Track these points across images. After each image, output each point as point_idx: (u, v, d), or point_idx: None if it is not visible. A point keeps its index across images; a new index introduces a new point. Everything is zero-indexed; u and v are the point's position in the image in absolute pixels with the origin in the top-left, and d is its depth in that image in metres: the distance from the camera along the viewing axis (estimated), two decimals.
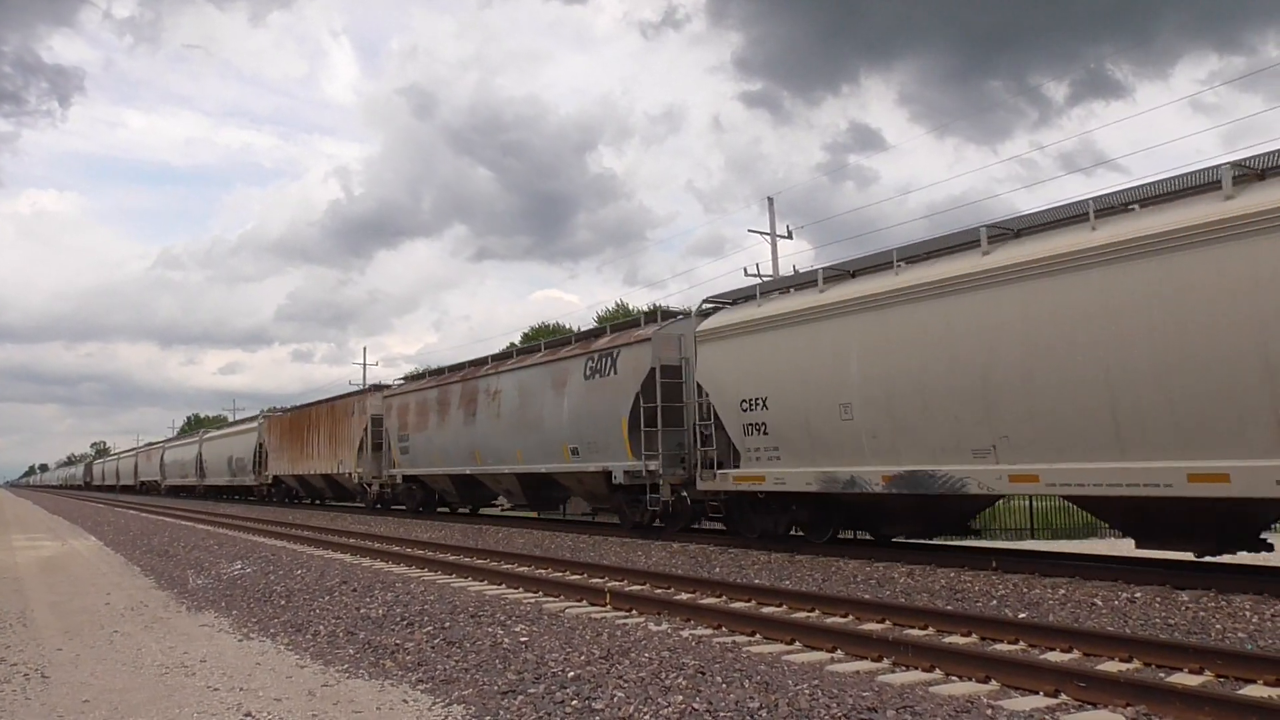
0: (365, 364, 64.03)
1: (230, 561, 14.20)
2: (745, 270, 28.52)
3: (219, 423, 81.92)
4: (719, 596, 9.56)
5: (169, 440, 65.00)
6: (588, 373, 17.53)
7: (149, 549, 17.74)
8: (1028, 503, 23.92)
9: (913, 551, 12.14)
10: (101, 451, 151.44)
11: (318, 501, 37.06)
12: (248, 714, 5.69)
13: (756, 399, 13.62)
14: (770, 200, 31.24)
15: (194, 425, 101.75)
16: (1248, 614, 7.63)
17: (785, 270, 30.07)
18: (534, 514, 23.70)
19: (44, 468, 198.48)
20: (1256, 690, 5.53)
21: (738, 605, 8.99)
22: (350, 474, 29.16)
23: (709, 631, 7.76)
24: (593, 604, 9.35)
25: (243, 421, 46.06)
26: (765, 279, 24.81)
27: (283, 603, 10.09)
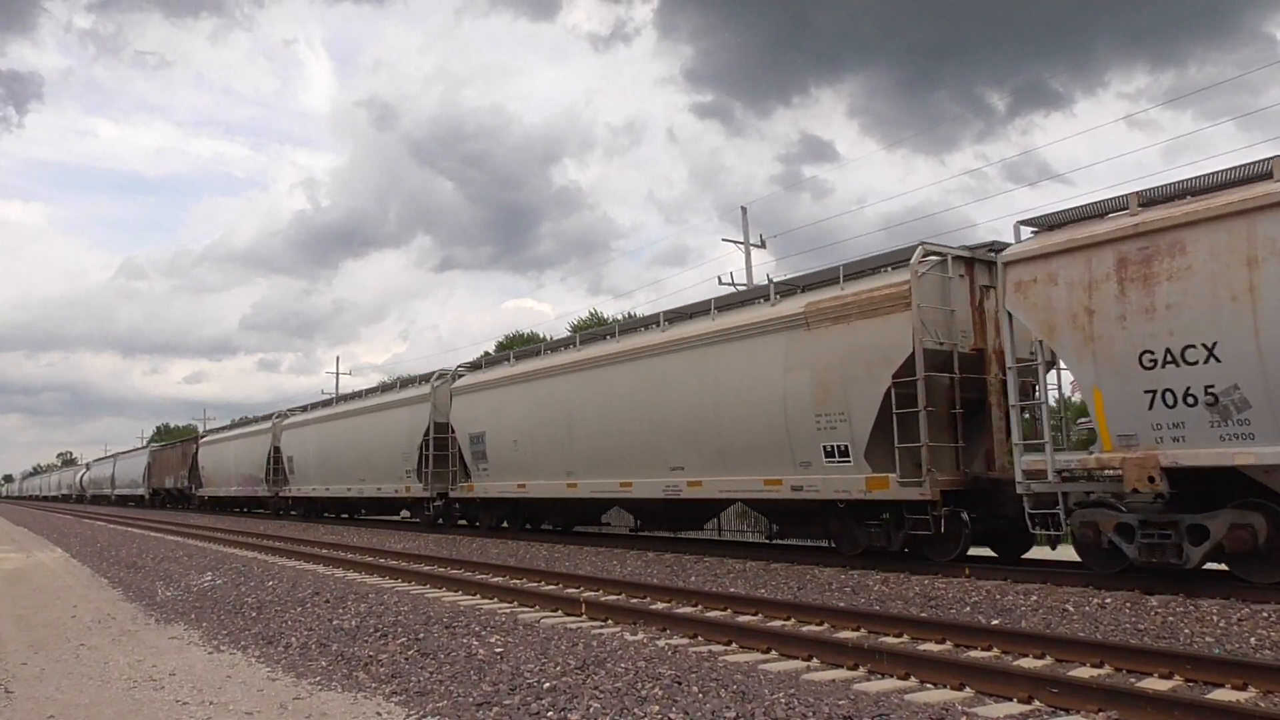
0: (338, 373, 63.57)
1: (200, 573, 14.00)
2: (719, 279, 28.63)
3: (187, 433, 75.82)
4: (695, 606, 9.56)
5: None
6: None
7: (116, 561, 17.45)
8: None
9: (887, 560, 12.19)
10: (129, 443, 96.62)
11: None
12: None
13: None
14: (744, 210, 31.63)
15: (163, 435, 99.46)
16: (1215, 618, 7.75)
17: (759, 279, 30.28)
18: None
19: (9, 478, 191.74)
20: (1224, 694, 5.61)
21: (713, 614, 8.99)
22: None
23: (685, 641, 7.75)
24: (568, 614, 9.31)
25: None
26: (741, 286, 24.95)
27: (254, 614, 9.96)
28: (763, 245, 31.65)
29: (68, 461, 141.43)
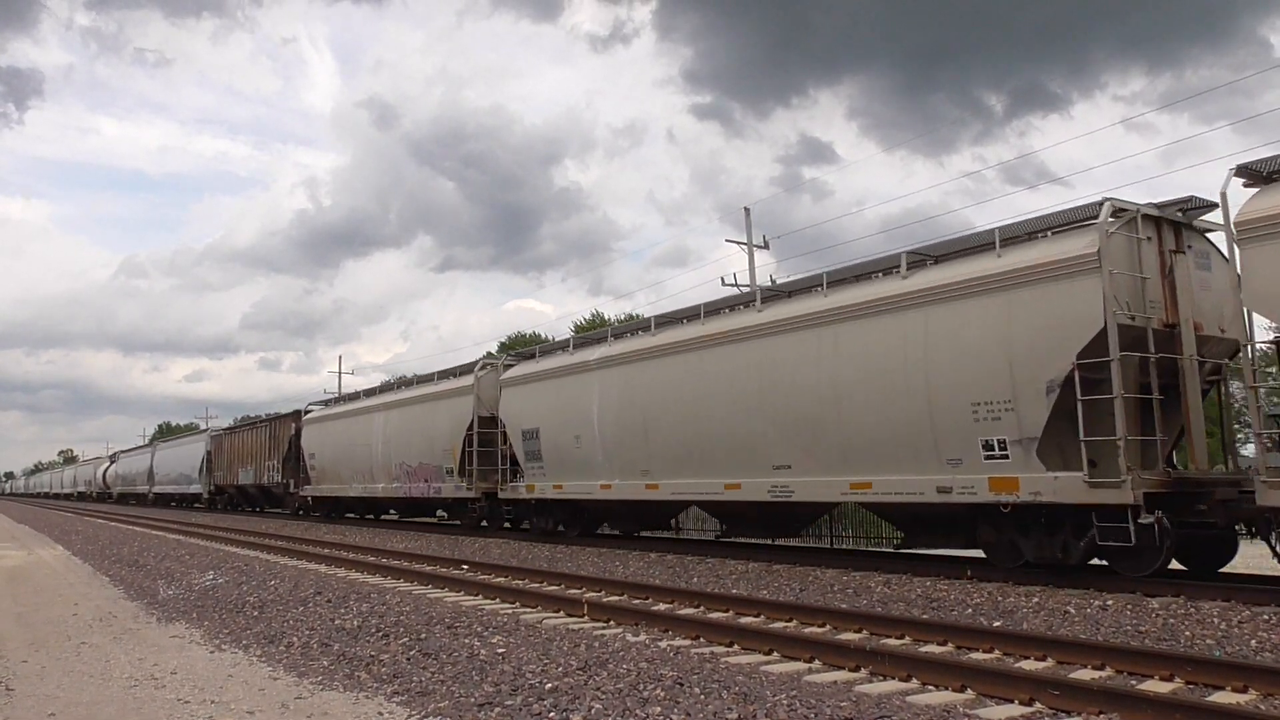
0: (340, 373, 63.36)
1: (202, 572, 14.01)
2: (723, 280, 28.62)
3: (190, 431, 68.81)
4: (697, 607, 9.56)
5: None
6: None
7: (118, 559, 17.47)
8: None
9: (889, 561, 12.20)
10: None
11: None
12: None
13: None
14: (747, 210, 31.68)
15: (165, 433, 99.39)
16: (1215, 620, 7.75)
17: (763, 279, 30.30)
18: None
19: (9, 475, 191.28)
20: (1224, 696, 5.61)
21: (716, 615, 9.00)
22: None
23: (687, 642, 7.75)
24: (570, 615, 9.32)
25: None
26: (745, 288, 25.01)
27: (256, 614, 9.97)
28: (765, 246, 31.75)
29: (69, 459, 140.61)
